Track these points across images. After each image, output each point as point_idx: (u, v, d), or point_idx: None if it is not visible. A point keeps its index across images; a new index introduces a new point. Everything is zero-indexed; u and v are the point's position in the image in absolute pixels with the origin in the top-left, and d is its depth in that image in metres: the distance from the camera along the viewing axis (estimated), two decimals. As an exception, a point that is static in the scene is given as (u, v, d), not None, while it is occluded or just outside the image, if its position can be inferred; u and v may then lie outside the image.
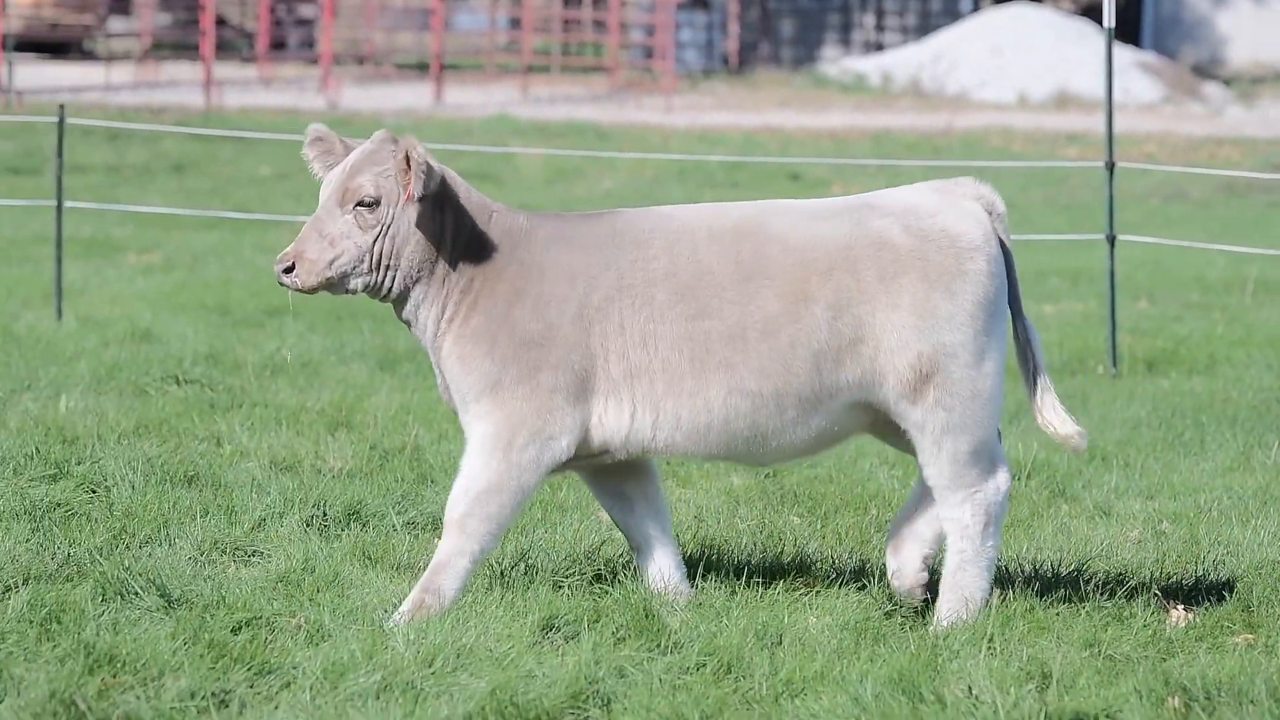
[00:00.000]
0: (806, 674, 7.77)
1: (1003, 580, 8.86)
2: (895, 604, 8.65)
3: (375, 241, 8.32)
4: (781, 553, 9.52)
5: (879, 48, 57.80)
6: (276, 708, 7.44)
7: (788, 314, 8.32)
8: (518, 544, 9.41)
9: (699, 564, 9.13)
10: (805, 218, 8.45)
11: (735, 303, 8.33)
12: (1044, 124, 41.89)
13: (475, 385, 8.35)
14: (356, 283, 8.36)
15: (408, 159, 8.28)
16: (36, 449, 10.83)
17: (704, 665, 7.89)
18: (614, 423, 8.38)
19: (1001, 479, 8.49)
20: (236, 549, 9.42)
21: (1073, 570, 9.26)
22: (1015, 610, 8.48)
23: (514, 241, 8.44)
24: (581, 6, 57.08)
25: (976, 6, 58.47)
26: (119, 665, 7.59)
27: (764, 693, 7.67)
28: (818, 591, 8.81)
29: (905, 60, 52.85)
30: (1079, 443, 8.60)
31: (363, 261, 8.33)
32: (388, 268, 8.36)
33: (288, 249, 8.33)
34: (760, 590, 8.80)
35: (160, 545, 9.27)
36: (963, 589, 8.50)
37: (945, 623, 8.45)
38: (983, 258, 8.41)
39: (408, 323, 8.48)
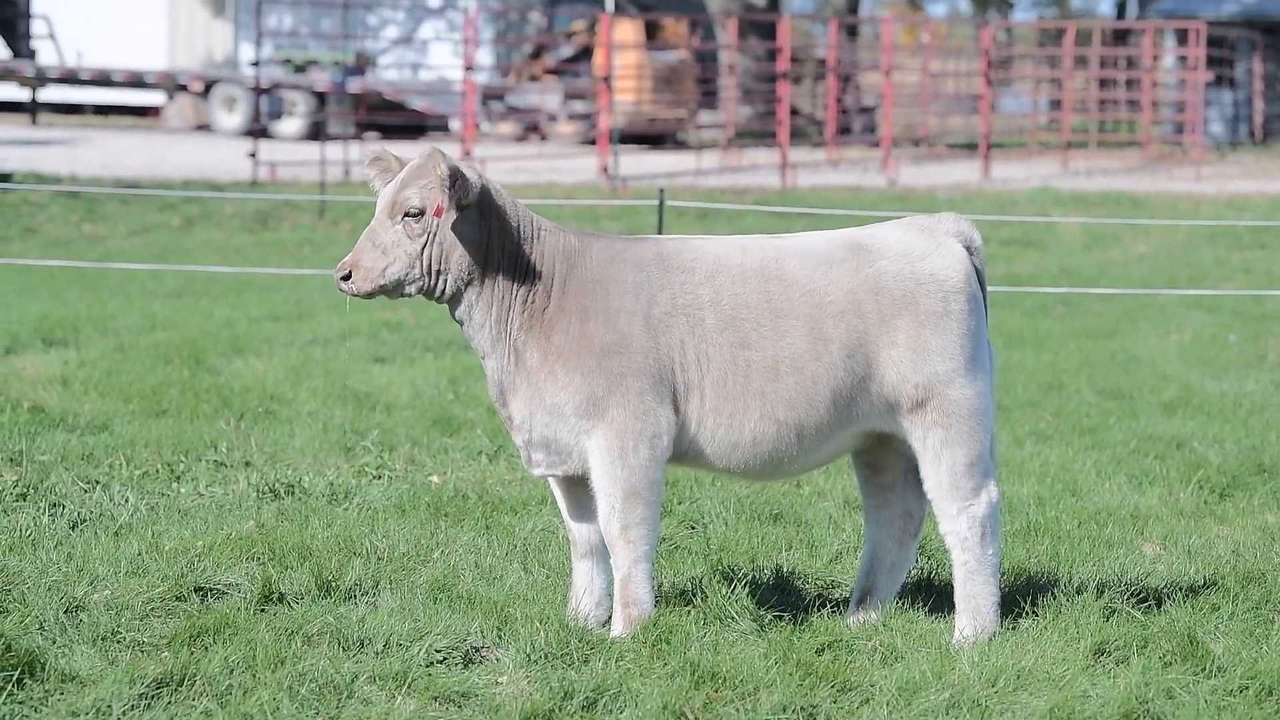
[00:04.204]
0: (1346, 698, 7.49)
1: None
2: None
3: (424, 249, 8.13)
4: (1316, 585, 9.19)
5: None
6: (857, 721, 7.46)
7: (811, 352, 8.22)
8: (1071, 574, 9.27)
9: (1239, 596, 8.86)
10: (814, 262, 8.31)
11: (770, 338, 8.22)
12: None
13: (572, 400, 8.16)
14: (410, 288, 8.18)
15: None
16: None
17: (1247, 688, 7.66)
18: None
19: (993, 491, 8.37)
20: (816, 579, 9.47)
21: None
22: None
23: (569, 258, 8.26)
24: (1116, 88, 56.18)
25: None
26: (720, 681, 7.68)
27: (1304, 715, 7.42)
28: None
29: None
30: None
31: (414, 268, 8.14)
32: (438, 272, 8.17)
33: (346, 258, 8.14)
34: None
35: (750, 575, 9.37)
36: (974, 599, 8.34)
37: (964, 634, 8.28)
38: (964, 298, 8.35)
39: (460, 322, 8.29)
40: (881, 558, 8.66)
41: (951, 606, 8.49)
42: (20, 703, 7.40)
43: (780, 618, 8.54)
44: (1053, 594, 8.79)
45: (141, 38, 58.52)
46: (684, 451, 8.34)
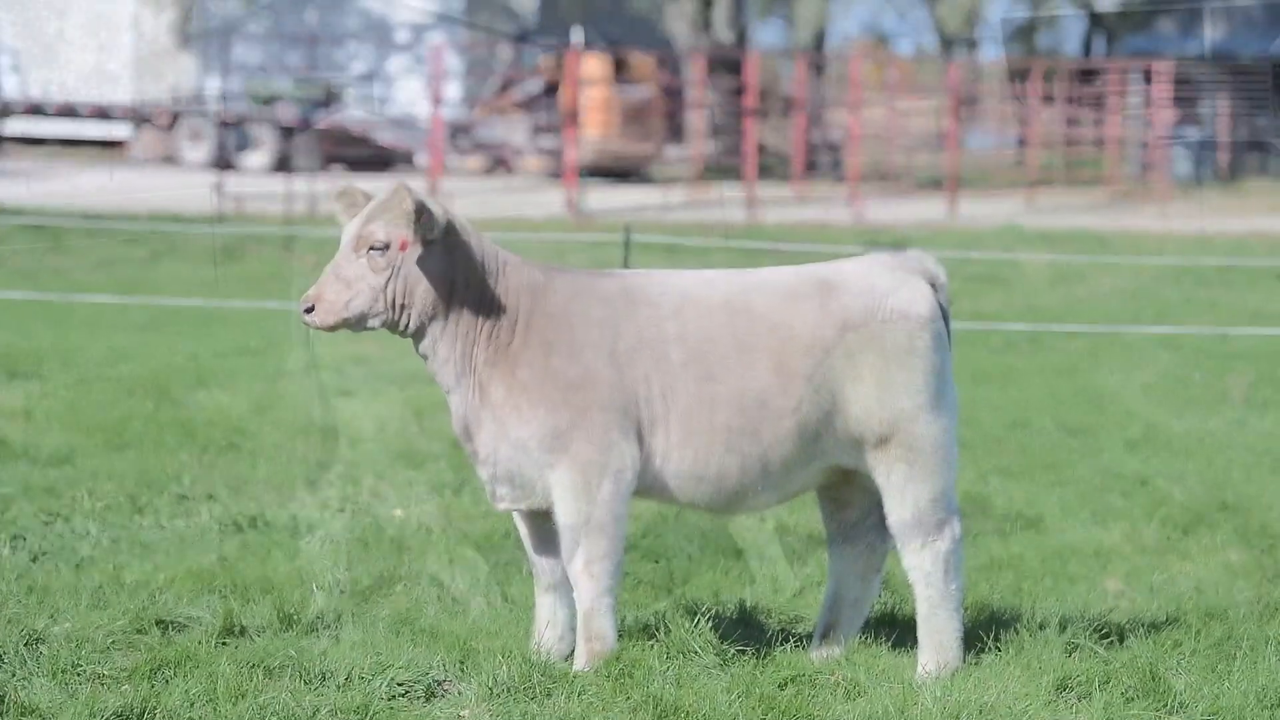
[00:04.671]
0: (1306, 734, 7.52)
1: None
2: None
3: (388, 283, 8.13)
4: (1276, 621, 9.21)
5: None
6: (819, 756, 7.45)
7: (777, 386, 8.22)
8: (1034, 610, 9.28)
9: (1200, 632, 8.88)
10: (780, 297, 8.33)
11: (735, 372, 8.22)
12: None
13: (535, 434, 8.15)
14: (374, 321, 8.18)
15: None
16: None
17: (1207, 724, 7.69)
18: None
19: (955, 526, 8.39)
20: (780, 613, 9.46)
21: None
22: None
23: (534, 293, 8.25)
24: (1082, 125, 56.39)
25: None
26: (683, 715, 7.67)
27: (1264, 751, 7.44)
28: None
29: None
30: None
31: (377, 301, 8.14)
32: (403, 307, 8.17)
33: (309, 291, 8.16)
34: (1257, 656, 8.54)
35: (713, 609, 9.35)
36: (936, 634, 8.35)
37: (926, 669, 8.30)
38: (929, 334, 8.36)
39: (425, 356, 8.29)
40: (845, 593, 8.67)
41: (914, 642, 8.50)
42: (-21, 735, 7.37)
43: (743, 652, 8.53)
44: (1015, 629, 8.80)
45: (107, 71, 58.46)
46: (649, 485, 8.33)
